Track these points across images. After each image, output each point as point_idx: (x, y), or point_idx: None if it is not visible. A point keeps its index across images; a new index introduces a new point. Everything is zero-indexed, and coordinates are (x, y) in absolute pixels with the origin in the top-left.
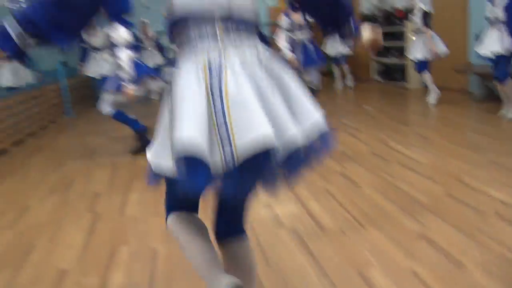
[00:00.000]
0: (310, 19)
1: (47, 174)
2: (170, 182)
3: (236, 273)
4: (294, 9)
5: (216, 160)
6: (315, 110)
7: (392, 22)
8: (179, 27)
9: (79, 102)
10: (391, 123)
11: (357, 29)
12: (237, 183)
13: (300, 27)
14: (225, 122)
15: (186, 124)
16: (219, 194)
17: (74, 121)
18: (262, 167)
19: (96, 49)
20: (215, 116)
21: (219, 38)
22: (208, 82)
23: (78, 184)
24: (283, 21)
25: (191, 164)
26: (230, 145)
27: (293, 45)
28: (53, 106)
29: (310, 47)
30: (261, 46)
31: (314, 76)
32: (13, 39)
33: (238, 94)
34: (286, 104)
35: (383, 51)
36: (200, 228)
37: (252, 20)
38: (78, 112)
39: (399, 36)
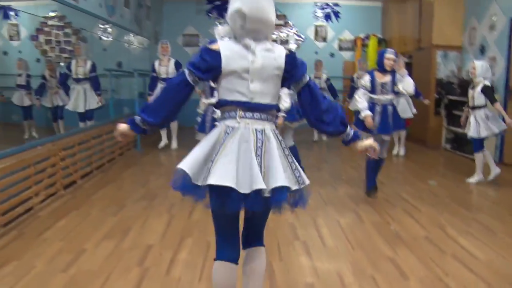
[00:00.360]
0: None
1: (107, 216)
2: (214, 217)
3: (252, 276)
4: (383, 70)
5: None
6: (283, 178)
7: (467, 91)
8: (219, 107)
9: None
10: (452, 205)
11: (356, 136)
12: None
13: (383, 90)
14: (212, 161)
15: (190, 162)
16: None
17: (140, 156)
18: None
19: None
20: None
21: (237, 118)
22: (221, 138)
23: (133, 232)
24: (365, 80)
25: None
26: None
27: (372, 106)
28: None
29: (390, 110)
30: (268, 126)
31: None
32: (139, 125)
33: (228, 149)
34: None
35: (456, 120)
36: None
37: (266, 110)
38: (144, 145)
39: None
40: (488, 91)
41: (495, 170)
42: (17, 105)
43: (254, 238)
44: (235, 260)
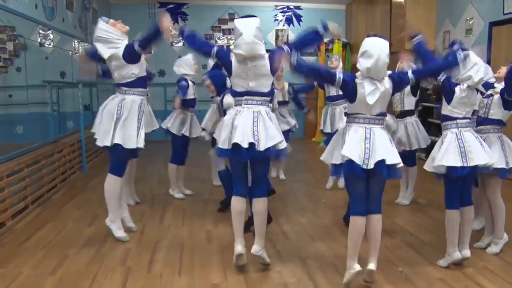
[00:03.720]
0: None
1: (43, 275)
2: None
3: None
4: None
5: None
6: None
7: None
8: (233, 95)
9: (90, 155)
10: None
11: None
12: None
13: None
14: (231, 133)
15: (223, 136)
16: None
17: (87, 181)
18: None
19: None
20: (232, 127)
21: (242, 103)
22: (235, 116)
23: None
24: None
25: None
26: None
27: None
28: (68, 163)
29: None
30: (263, 108)
31: None
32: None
33: (240, 121)
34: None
35: (431, 127)
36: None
37: (262, 94)
38: (91, 167)
39: None
40: None
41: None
42: None
43: (256, 188)
44: (244, 195)
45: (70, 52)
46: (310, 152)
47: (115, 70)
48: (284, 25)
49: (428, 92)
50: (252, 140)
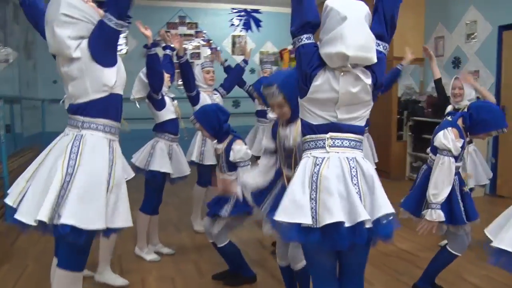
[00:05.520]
0: None
1: None
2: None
3: None
4: None
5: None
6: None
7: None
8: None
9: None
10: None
11: None
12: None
13: None
14: (316, 199)
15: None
16: None
17: (12, 235)
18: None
19: None
20: (310, 191)
21: (326, 144)
22: (315, 168)
23: None
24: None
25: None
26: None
27: None
28: None
29: None
30: (359, 154)
31: None
32: None
33: (327, 179)
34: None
35: (425, 144)
36: None
37: (356, 130)
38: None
39: None
40: None
41: None
42: None
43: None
44: None
45: None
46: None
47: (70, 80)
48: (241, 30)
49: (419, 105)
50: (362, 217)
